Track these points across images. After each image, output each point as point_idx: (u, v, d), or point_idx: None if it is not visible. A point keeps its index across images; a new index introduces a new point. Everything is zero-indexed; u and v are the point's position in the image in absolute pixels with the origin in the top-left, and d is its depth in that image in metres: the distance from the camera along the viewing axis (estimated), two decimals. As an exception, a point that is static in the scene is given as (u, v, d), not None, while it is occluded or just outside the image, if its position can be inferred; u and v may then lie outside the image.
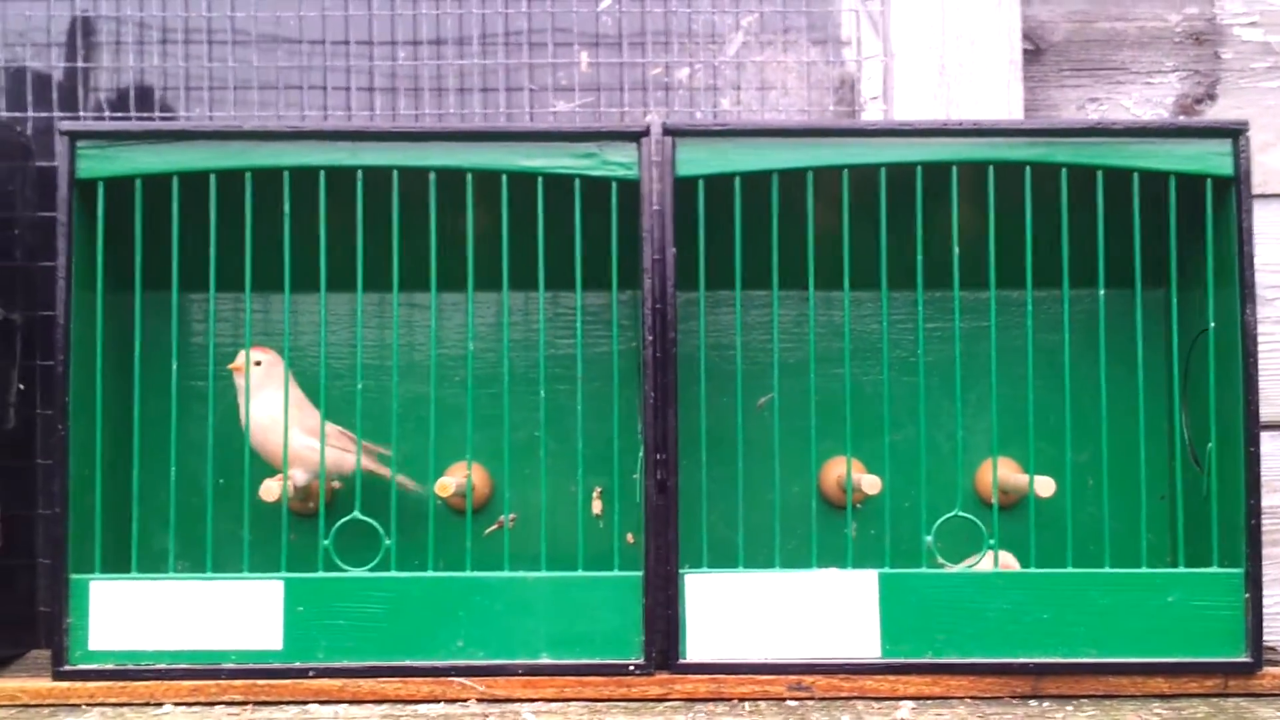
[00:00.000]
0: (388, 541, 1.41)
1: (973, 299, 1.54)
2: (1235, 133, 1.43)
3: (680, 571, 1.40)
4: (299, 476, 1.49)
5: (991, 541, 1.42)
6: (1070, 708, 1.36)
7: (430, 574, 1.40)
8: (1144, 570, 1.41)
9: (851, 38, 1.77)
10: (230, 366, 1.49)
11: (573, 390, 1.46)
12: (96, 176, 1.41)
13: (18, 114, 1.70)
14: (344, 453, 1.49)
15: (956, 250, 1.42)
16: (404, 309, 1.58)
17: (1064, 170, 1.42)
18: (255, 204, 1.41)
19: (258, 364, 1.49)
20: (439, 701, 1.37)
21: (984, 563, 1.42)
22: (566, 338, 1.58)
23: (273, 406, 1.47)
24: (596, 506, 1.58)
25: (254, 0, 1.74)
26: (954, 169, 1.42)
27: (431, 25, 1.77)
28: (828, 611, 1.39)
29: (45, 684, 1.37)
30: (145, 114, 1.75)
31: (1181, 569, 1.42)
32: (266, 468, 1.49)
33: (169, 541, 1.46)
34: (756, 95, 1.78)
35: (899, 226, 1.43)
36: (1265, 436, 1.58)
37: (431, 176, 1.41)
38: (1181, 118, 1.71)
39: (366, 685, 1.37)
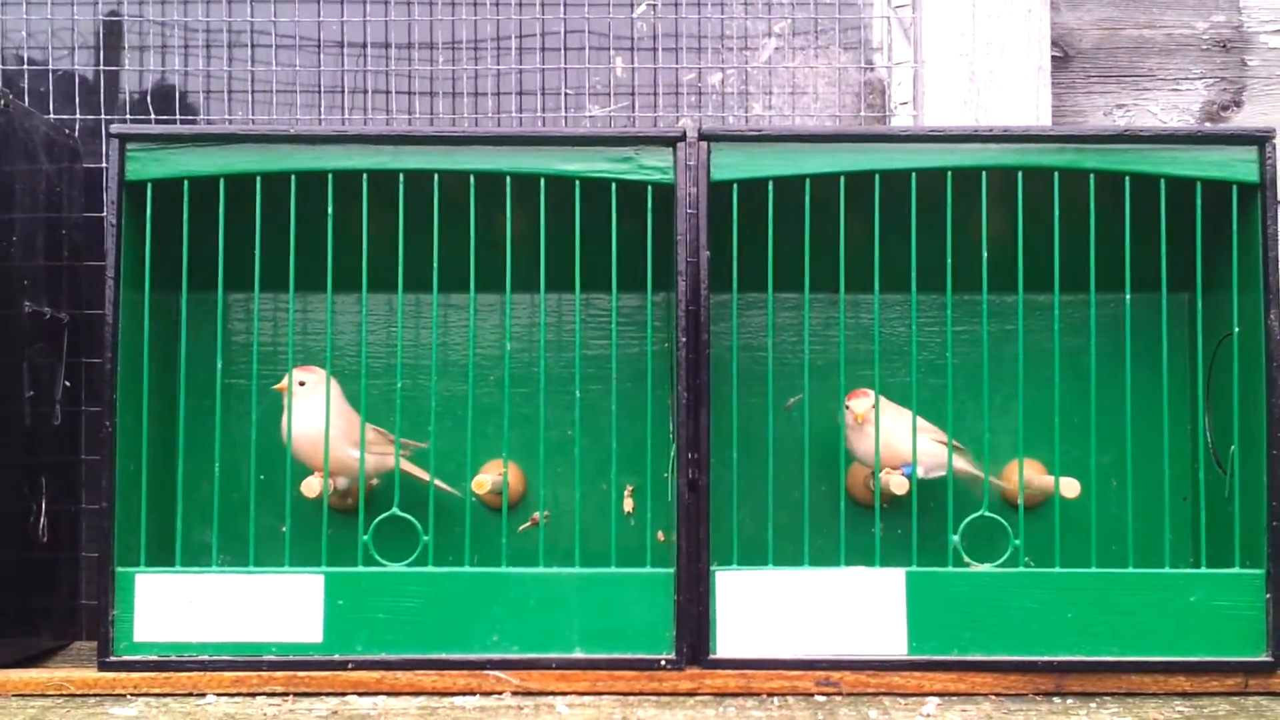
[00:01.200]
0: (425, 537, 1.44)
1: (1000, 303, 1.56)
2: (1261, 140, 1.44)
3: (711, 568, 1.42)
4: (340, 481, 1.52)
5: (1017, 542, 1.44)
6: (1093, 705, 1.38)
7: (466, 569, 1.43)
8: (1167, 571, 1.43)
9: (883, 44, 1.79)
10: (275, 387, 1.52)
11: (606, 390, 1.49)
12: (145, 178, 1.44)
13: (66, 116, 1.74)
14: (383, 456, 1.52)
15: (985, 255, 1.45)
16: (442, 310, 1.61)
17: (1092, 176, 1.44)
18: (298, 206, 1.44)
19: (302, 384, 1.51)
20: (475, 694, 1.40)
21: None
22: (601, 339, 1.61)
23: (317, 419, 1.50)
24: (628, 504, 1.61)
25: (296, 5, 1.78)
26: (984, 174, 1.44)
27: (469, 29, 1.80)
28: (855, 609, 1.42)
29: (91, 674, 1.41)
30: (188, 116, 1.78)
31: (1203, 569, 1.44)
32: (303, 465, 1.52)
33: (212, 536, 1.49)
34: (788, 100, 1.81)
35: (928, 231, 1.45)
36: (1286, 440, 1.60)
37: (471, 179, 1.44)
38: (1208, 124, 1.73)
39: (404, 677, 1.40)
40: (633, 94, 1.81)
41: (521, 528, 1.61)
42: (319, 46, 1.79)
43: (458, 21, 1.79)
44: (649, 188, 1.45)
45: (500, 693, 1.40)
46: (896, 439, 1.49)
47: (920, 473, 1.50)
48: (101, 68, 1.78)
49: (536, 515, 1.59)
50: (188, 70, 1.80)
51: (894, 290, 1.51)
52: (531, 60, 1.80)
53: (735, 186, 1.45)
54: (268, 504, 1.56)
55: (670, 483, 1.45)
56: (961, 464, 1.54)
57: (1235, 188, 1.45)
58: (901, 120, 1.75)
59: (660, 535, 1.53)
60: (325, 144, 1.44)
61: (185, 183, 1.44)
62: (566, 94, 1.80)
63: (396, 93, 1.80)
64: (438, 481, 1.50)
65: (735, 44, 1.82)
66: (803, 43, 1.82)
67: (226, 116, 1.79)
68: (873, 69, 1.80)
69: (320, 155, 1.44)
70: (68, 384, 1.59)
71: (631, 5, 1.81)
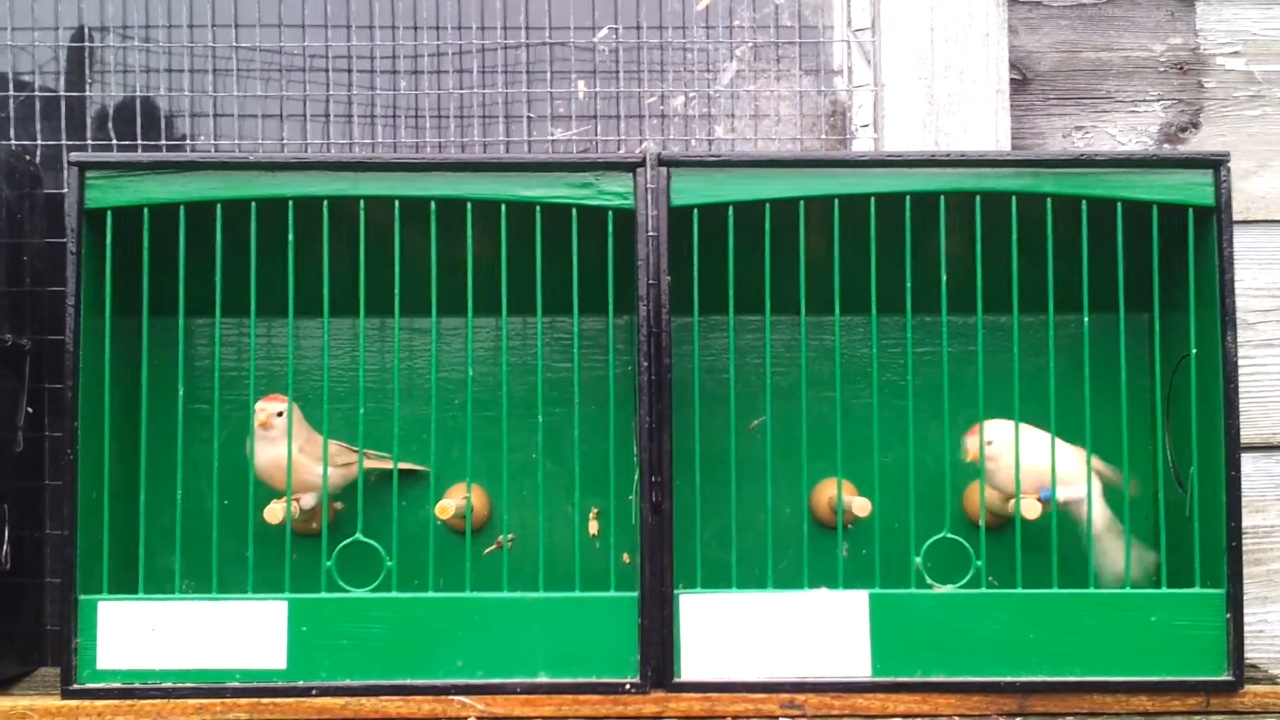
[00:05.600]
0: (389, 563, 1.44)
1: (961, 324, 1.57)
2: (1216, 163, 1.46)
3: (675, 592, 1.43)
4: (307, 500, 1.52)
5: (979, 564, 1.45)
6: (1055, 725, 1.39)
7: (430, 594, 1.43)
8: (1128, 591, 1.44)
9: (843, 67, 1.80)
10: (260, 424, 1.52)
11: (570, 413, 1.49)
12: (105, 206, 1.44)
13: (27, 142, 1.73)
14: (348, 468, 1.52)
15: (944, 277, 1.45)
16: (405, 334, 1.61)
17: (1049, 200, 1.45)
18: (260, 231, 1.44)
19: (280, 415, 1.51)
20: (439, 719, 1.40)
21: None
22: (564, 362, 1.61)
23: (284, 445, 1.50)
24: (593, 527, 1.61)
25: (258, 29, 1.78)
26: (942, 198, 1.45)
27: (433, 54, 1.80)
28: (819, 631, 1.42)
29: (54, 702, 1.40)
30: (151, 141, 1.77)
31: (1164, 589, 1.45)
32: (271, 490, 1.52)
33: (175, 562, 1.49)
34: (750, 123, 1.82)
35: (889, 253, 1.46)
36: (1246, 458, 1.61)
37: (432, 206, 1.44)
38: (1166, 146, 1.74)
39: (368, 703, 1.40)
40: (595, 117, 1.82)
41: (487, 551, 1.60)
42: (281, 70, 1.79)
43: (420, 45, 1.80)
44: (610, 213, 1.45)
45: (465, 718, 1.40)
46: (1034, 464, 1.50)
47: (1060, 497, 1.50)
48: (62, 93, 1.78)
49: (501, 539, 1.59)
50: (150, 95, 1.80)
51: (856, 312, 1.52)
52: (494, 83, 1.80)
53: (695, 211, 1.45)
54: (231, 529, 1.55)
55: (634, 506, 1.46)
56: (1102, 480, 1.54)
57: (1191, 210, 1.46)
58: (862, 143, 1.76)
59: (626, 557, 1.54)
60: (285, 171, 1.44)
61: (145, 210, 1.44)
62: (529, 117, 1.81)
63: (359, 116, 1.80)
64: (403, 464, 1.52)
65: (697, 67, 1.82)
66: (764, 66, 1.82)
67: (189, 141, 1.79)
68: (833, 92, 1.81)
69: (280, 182, 1.44)
70: (30, 410, 1.59)
71: (594, 29, 1.81)
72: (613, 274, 1.46)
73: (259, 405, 1.50)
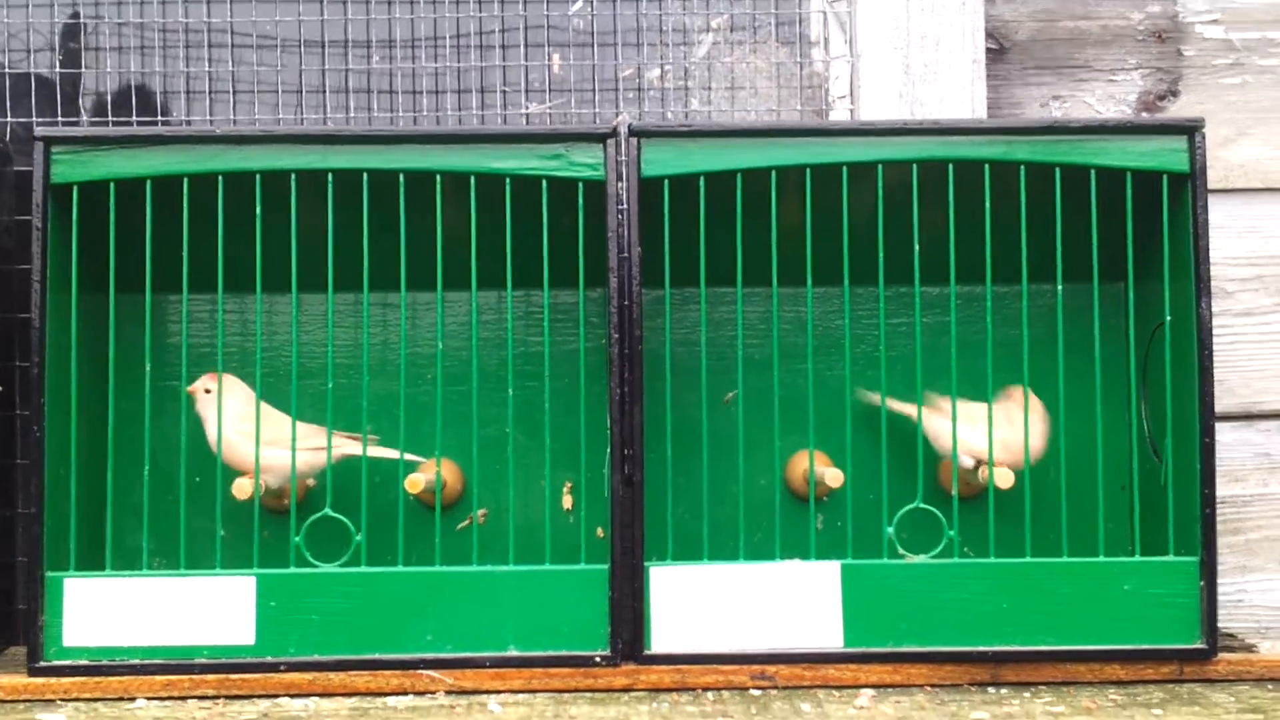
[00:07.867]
0: (358, 537, 1.44)
1: (935, 294, 1.56)
2: (1190, 129, 1.44)
3: (646, 564, 1.42)
4: (271, 482, 1.51)
5: (951, 533, 1.44)
6: (1028, 694, 1.38)
7: (399, 569, 1.42)
8: (1101, 560, 1.43)
9: (819, 38, 1.79)
10: (189, 389, 1.51)
11: (541, 387, 1.48)
12: (71, 181, 1.43)
13: (-3, 119, 1.73)
14: (316, 453, 1.51)
15: (917, 247, 1.45)
16: (376, 309, 1.60)
17: (1022, 168, 1.44)
18: (228, 206, 1.43)
19: (208, 391, 1.50)
20: (408, 694, 1.39)
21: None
22: (536, 335, 1.60)
23: (236, 421, 1.49)
24: (567, 501, 1.60)
25: (229, 4, 1.77)
26: (914, 167, 1.44)
27: (405, 27, 1.79)
28: (791, 602, 1.41)
29: (21, 680, 1.39)
30: (123, 118, 1.77)
31: (1138, 558, 1.44)
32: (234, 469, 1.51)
33: (143, 539, 1.49)
34: (726, 95, 1.81)
35: (863, 223, 1.45)
36: (1222, 427, 1.60)
37: (400, 178, 1.43)
38: (1144, 114, 1.73)
39: (337, 678, 1.39)
40: (570, 90, 1.81)
41: (460, 526, 1.60)
42: (254, 46, 1.78)
43: (393, 20, 1.79)
44: (580, 184, 1.44)
45: (434, 692, 1.39)
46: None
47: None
48: (33, 71, 1.77)
49: (472, 514, 1.58)
50: (123, 71, 1.79)
51: (829, 283, 1.51)
52: (468, 58, 1.79)
53: (667, 182, 1.44)
54: (200, 506, 1.54)
55: (606, 479, 1.45)
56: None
57: (1165, 177, 1.45)
58: (838, 114, 1.75)
59: (600, 531, 1.53)
60: (252, 144, 1.43)
61: (111, 185, 1.43)
62: (504, 91, 1.80)
63: (332, 91, 1.79)
64: (373, 450, 1.50)
65: (672, 39, 1.81)
66: (740, 37, 1.81)
67: (162, 117, 1.78)
68: (810, 63, 1.80)
69: (247, 156, 1.43)
70: (0, 388, 1.58)
71: (568, 1, 1.80)
72: (583, 246, 1.45)
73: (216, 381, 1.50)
